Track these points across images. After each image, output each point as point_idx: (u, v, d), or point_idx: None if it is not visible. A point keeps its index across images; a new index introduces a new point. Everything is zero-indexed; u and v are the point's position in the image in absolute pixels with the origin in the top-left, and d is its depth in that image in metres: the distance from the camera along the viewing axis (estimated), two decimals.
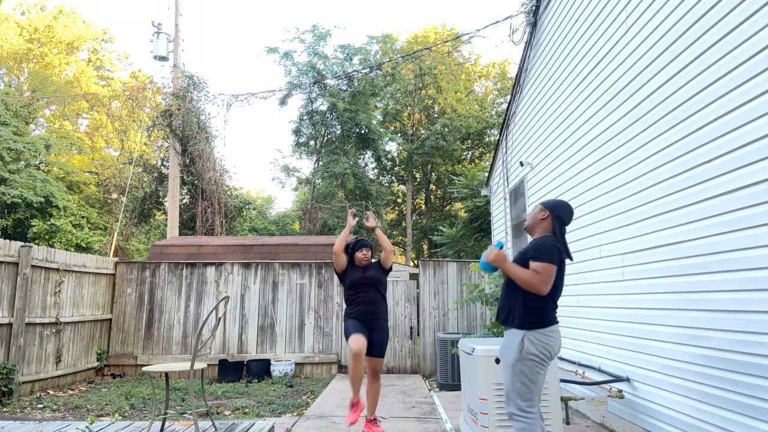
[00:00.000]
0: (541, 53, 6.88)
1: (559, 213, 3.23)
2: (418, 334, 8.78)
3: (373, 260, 5.00)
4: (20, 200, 16.10)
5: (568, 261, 5.94)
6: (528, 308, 3.04)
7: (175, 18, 14.14)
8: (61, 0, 26.81)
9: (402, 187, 26.73)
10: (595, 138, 5.17)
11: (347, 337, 4.51)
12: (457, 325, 8.63)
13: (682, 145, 3.71)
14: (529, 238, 3.43)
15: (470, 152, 25.82)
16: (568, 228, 5.80)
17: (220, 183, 14.71)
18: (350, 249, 4.89)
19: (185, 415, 5.33)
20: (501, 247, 3.19)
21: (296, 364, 8.37)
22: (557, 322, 3.12)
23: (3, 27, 21.90)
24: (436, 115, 25.41)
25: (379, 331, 4.66)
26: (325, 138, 20.12)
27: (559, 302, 6.11)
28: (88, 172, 22.48)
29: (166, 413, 4.13)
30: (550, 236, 3.18)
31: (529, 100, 7.36)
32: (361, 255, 4.83)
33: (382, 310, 4.74)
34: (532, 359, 2.96)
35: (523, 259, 3.12)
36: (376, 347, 4.63)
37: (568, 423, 4.80)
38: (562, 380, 4.82)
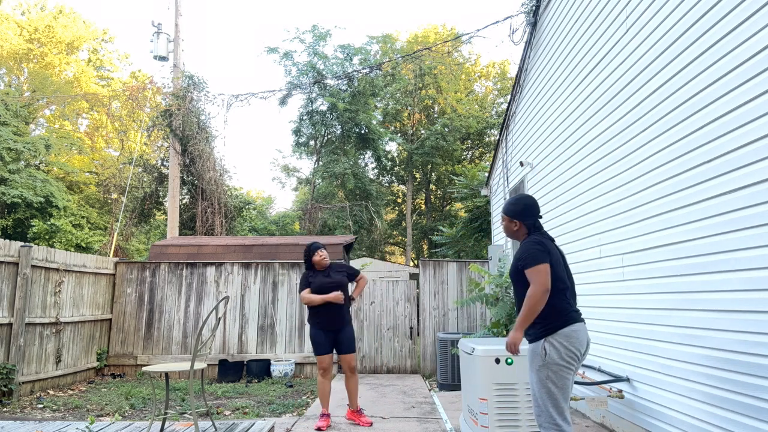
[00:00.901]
0: (541, 53, 6.88)
1: (525, 212, 3.18)
2: (418, 334, 8.78)
3: (337, 261, 5.25)
4: (20, 200, 16.11)
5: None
6: (542, 312, 2.91)
7: (175, 18, 14.14)
8: (61, 0, 26.82)
9: (402, 187, 26.74)
10: (595, 138, 5.17)
11: (315, 350, 4.88)
12: (457, 325, 8.63)
13: (682, 145, 3.71)
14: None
15: (470, 152, 25.83)
16: (567, 228, 5.84)
17: (220, 183, 14.72)
18: (306, 255, 5.06)
19: (185, 415, 5.33)
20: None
21: (296, 364, 8.37)
22: (580, 320, 2.95)
23: (3, 27, 21.91)
24: (436, 115, 25.42)
25: (343, 332, 4.96)
26: (325, 138, 20.13)
27: None
28: (88, 172, 22.48)
29: (166, 413, 4.13)
30: (532, 236, 3.12)
31: (529, 100, 7.36)
32: (318, 258, 5.00)
33: (346, 315, 4.98)
34: (560, 364, 2.84)
35: (515, 270, 3.07)
36: (345, 345, 4.94)
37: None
38: None
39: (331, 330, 4.89)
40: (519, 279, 3.06)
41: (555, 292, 2.94)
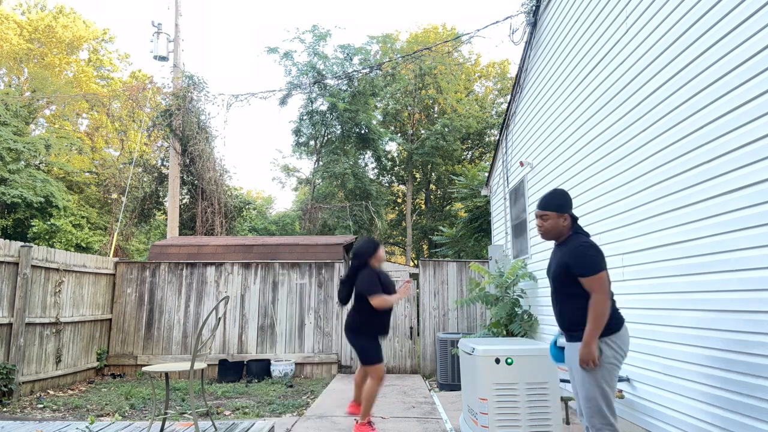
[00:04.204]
0: (541, 53, 6.88)
1: (569, 203, 3.17)
2: (418, 334, 8.78)
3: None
4: (20, 200, 16.10)
5: None
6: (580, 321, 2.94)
7: (175, 18, 14.14)
8: (61, 0, 26.82)
9: (402, 187, 26.75)
10: (595, 138, 5.17)
11: (375, 358, 4.47)
12: (457, 325, 8.63)
13: (682, 145, 3.71)
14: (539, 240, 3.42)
15: (470, 152, 25.83)
16: None
17: (220, 183, 14.72)
18: (372, 248, 4.66)
19: (185, 415, 5.33)
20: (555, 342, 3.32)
21: (296, 364, 8.37)
22: (624, 320, 3.01)
23: (3, 27, 21.91)
24: (436, 115, 25.43)
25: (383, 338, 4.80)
26: (325, 138, 20.13)
27: None
28: (88, 172, 22.48)
29: (166, 413, 4.13)
30: (580, 237, 3.05)
31: (529, 100, 7.36)
32: (382, 254, 4.70)
33: None
34: (613, 363, 2.85)
35: (565, 272, 2.99)
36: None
37: (568, 423, 4.80)
38: (562, 380, 4.82)
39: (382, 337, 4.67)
40: (567, 283, 2.98)
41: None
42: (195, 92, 14.23)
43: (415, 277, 9.46)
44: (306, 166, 40.95)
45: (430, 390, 7.02)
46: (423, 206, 27.07)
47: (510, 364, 3.96)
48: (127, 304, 8.57)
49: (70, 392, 6.96)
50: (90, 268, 7.96)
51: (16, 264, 6.48)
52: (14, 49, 22.01)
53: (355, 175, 18.81)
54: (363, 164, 22.21)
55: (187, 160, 14.09)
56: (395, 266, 9.90)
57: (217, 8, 51.97)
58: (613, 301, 2.98)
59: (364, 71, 18.54)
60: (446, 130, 22.20)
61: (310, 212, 18.25)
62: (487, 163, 18.87)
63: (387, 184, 26.30)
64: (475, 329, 8.55)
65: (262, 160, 58.09)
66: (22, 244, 6.59)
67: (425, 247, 25.16)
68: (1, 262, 6.28)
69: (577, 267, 2.91)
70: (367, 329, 4.54)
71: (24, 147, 17.19)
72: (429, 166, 24.48)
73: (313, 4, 53.25)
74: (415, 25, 37.82)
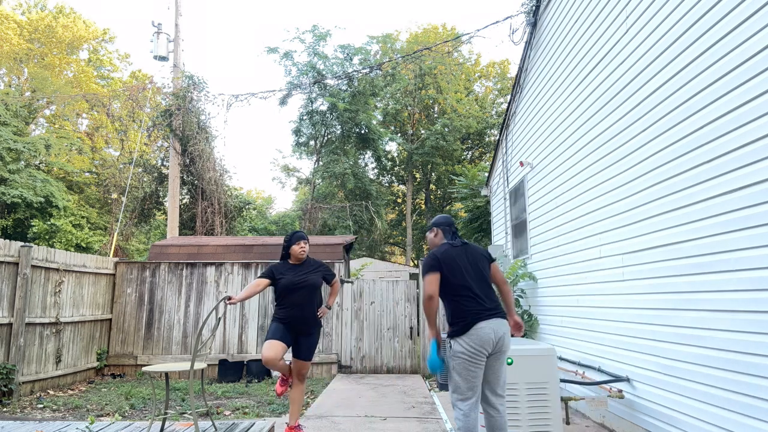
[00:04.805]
0: (541, 53, 6.88)
1: (441, 223, 3.73)
2: (418, 334, 8.78)
3: (315, 259, 4.63)
4: (20, 200, 16.11)
5: (548, 257, 5.97)
6: (449, 321, 3.47)
7: (175, 18, 14.14)
8: (61, 0, 26.82)
9: (402, 187, 26.76)
10: (595, 138, 5.17)
11: (265, 340, 4.24)
12: None
13: (682, 145, 3.71)
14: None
15: (470, 152, 25.84)
16: (567, 228, 5.85)
17: (220, 183, 14.71)
18: (286, 242, 4.51)
19: (185, 415, 5.33)
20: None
21: None
22: (481, 320, 3.30)
23: (3, 27, 21.90)
24: (436, 115, 25.44)
25: (307, 337, 4.37)
26: (325, 138, 20.13)
27: (560, 302, 6.12)
28: (88, 172, 22.49)
29: (166, 413, 4.13)
30: (434, 250, 3.58)
31: (529, 100, 7.36)
32: (299, 248, 4.42)
33: (315, 317, 4.41)
34: (460, 356, 3.34)
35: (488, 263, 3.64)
36: (303, 351, 4.38)
37: (568, 423, 4.80)
38: (562, 380, 4.82)
39: (294, 331, 4.33)
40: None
41: (457, 298, 3.39)
42: (195, 92, 14.23)
43: (415, 277, 9.44)
44: (306, 166, 41.00)
45: (430, 390, 7.02)
46: (423, 206, 27.08)
47: (510, 364, 3.96)
48: (127, 304, 8.57)
49: (70, 392, 6.96)
50: (90, 268, 7.95)
51: (16, 264, 6.48)
52: (14, 49, 22.01)
53: (355, 175, 18.81)
54: (363, 164, 22.23)
55: (187, 160, 14.09)
56: (395, 266, 9.89)
57: (217, 8, 51.99)
58: (468, 303, 3.37)
59: (364, 71, 18.55)
60: (446, 130, 22.21)
61: (310, 212, 18.25)
62: (487, 163, 18.88)
63: (387, 184, 26.31)
64: None
65: (262, 160, 58.14)
66: (22, 244, 6.58)
67: (425, 247, 25.16)
68: (1, 262, 6.28)
69: (490, 257, 3.65)
70: (273, 317, 4.42)
71: (24, 147, 17.19)
72: (429, 166, 24.50)
73: (313, 4, 53.26)
74: (415, 25, 37.84)
